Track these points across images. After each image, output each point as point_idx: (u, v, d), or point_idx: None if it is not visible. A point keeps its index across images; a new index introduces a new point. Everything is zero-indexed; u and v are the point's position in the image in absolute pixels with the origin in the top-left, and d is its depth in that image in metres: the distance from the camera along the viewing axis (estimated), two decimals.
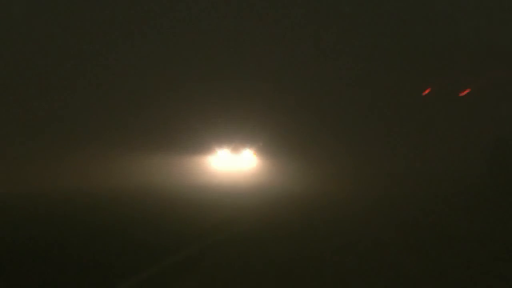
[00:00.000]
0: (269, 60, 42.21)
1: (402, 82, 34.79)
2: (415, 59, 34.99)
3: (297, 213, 17.43)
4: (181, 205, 19.62)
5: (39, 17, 54.68)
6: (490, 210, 18.75)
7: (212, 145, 37.40)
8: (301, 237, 12.87)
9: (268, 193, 25.44)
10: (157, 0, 55.67)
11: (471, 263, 9.81)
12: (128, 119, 42.77)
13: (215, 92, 43.66)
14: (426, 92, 34.35)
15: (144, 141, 39.53)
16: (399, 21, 39.41)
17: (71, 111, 43.07)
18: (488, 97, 32.85)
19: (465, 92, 33.28)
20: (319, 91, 39.14)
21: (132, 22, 58.87)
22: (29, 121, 40.47)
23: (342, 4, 45.56)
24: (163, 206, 19.48)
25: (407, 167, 33.14)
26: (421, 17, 38.14)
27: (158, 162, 36.81)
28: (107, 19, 56.58)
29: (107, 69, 49.81)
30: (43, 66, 51.05)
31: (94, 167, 34.08)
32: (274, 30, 46.08)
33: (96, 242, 11.97)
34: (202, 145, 38.02)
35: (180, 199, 22.21)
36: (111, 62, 50.86)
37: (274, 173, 34.34)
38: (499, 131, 27.96)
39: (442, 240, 12.69)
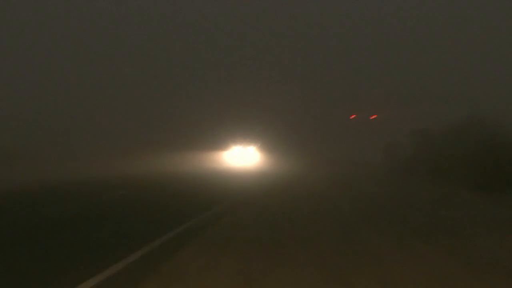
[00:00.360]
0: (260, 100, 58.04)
1: (341, 113, 51.21)
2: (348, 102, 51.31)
3: (284, 186, 24.54)
4: (212, 182, 27.31)
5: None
6: (384, 180, 28.26)
7: (229, 143, 52.13)
8: (288, 199, 18.33)
9: (265, 174, 35.13)
10: None
11: (375, 206, 16.06)
12: (173, 132, 54.50)
13: (232, 108, 57.09)
14: (353, 116, 50.73)
15: (184, 142, 52.42)
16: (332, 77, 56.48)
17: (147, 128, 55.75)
18: (383, 122, 48.15)
19: (373, 117, 49.57)
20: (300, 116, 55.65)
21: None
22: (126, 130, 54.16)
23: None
24: (201, 183, 27.01)
25: (344, 158, 46.68)
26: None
27: (194, 156, 50.65)
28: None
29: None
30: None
31: (161, 160, 46.35)
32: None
33: (174, 201, 18.13)
34: (223, 143, 52.21)
35: (210, 178, 30.50)
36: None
37: (268, 161, 48.87)
38: (388, 139, 41.40)
39: (361, 194, 20.38)
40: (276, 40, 67.97)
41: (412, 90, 49.44)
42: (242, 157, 51.18)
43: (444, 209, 15.46)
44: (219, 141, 53.46)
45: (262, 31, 69.17)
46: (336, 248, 9.29)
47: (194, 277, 7.30)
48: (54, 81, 60.64)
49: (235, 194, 19.53)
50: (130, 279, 7.24)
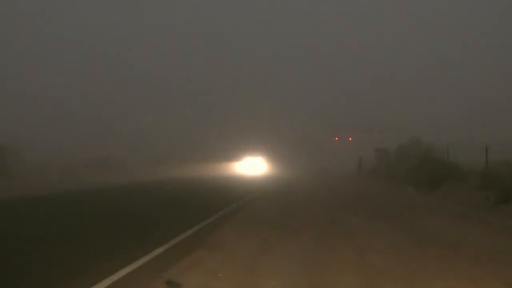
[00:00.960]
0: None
1: (328, 137, 51.64)
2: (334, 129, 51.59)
3: (287, 187, 23.04)
4: (232, 184, 24.13)
5: None
6: (357, 182, 27.90)
7: (242, 155, 46.13)
8: (291, 195, 17.65)
9: (272, 179, 30.59)
10: None
11: (350, 199, 16.06)
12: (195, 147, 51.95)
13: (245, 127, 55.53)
14: (336, 138, 51.12)
15: (204, 156, 48.48)
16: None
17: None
18: (356, 143, 47.79)
19: (350, 139, 49.97)
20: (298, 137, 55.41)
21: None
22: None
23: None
24: (224, 185, 23.60)
25: (329, 168, 46.45)
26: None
27: (214, 165, 45.35)
28: None
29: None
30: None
31: (191, 169, 40.83)
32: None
33: (207, 197, 16.70)
34: (237, 155, 46.89)
35: (231, 182, 26.60)
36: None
37: (274, 170, 43.81)
38: (360, 154, 39.98)
39: (341, 192, 19.96)
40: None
41: (375, 123, 49.93)
42: (252, 167, 43.95)
43: (395, 200, 15.74)
44: (234, 153, 48.07)
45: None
46: (325, 226, 9.44)
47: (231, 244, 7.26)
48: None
49: (253, 192, 18.09)
50: (188, 245, 6.99)
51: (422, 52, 63.81)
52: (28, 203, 14.28)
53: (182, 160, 45.41)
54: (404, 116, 51.31)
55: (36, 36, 55.35)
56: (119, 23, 63.17)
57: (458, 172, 17.97)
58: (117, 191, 19.80)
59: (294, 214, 11.53)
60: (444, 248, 6.95)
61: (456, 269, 5.67)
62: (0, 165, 27.64)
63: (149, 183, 24.67)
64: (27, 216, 11.21)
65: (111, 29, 60.41)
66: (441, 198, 15.61)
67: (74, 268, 5.66)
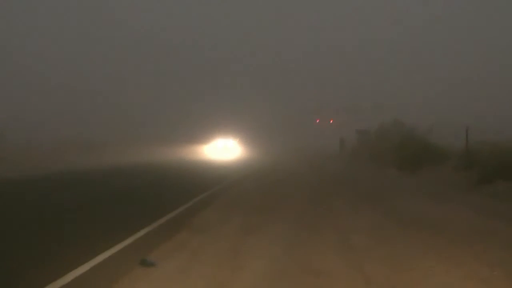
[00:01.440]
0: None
1: (309, 119, 51.58)
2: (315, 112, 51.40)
3: (268, 170, 22.06)
4: (212, 168, 22.63)
5: None
6: (339, 164, 28.02)
7: (212, 137, 39.68)
8: (273, 178, 16.88)
9: (242, 161, 30.07)
10: None
11: (333, 180, 16.47)
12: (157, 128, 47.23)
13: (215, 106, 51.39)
14: (317, 121, 51.22)
15: (179, 138, 42.08)
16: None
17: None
18: (338, 125, 48.13)
19: (331, 121, 50.14)
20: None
21: None
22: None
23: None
24: (202, 169, 22.12)
25: (312, 150, 43.66)
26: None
27: (180, 148, 38.35)
28: None
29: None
30: None
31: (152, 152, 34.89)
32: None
33: (188, 180, 15.86)
34: (205, 136, 40.10)
35: (208, 166, 24.58)
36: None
37: (249, 154, 38.27)
38: (341, 136, 39.54)
39: (324, 173, 20.25)
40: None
41: (357, 104, 49.93)
42: (224, 150, 38.66)
43: (378, 181, 15.83)
44: (201, 135, 41.73)
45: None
46: (308, 207, 9.49)
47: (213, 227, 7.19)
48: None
49: (232, 176, 17.20)
50: (172, 226, 6.97)
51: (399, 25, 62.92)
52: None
53: (144, 142, 39.22)
54: (387, 96, 51.26)
55: None
56: None
57: (440, 153, 18.05)
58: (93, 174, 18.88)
59: (277, 196, 11.48)
60: (425, 229, 6.94)
61: (438, 249, 5.65)
62: None
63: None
64: None
65: None
66: (423, 179, 15.70)
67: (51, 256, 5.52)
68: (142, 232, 6.64)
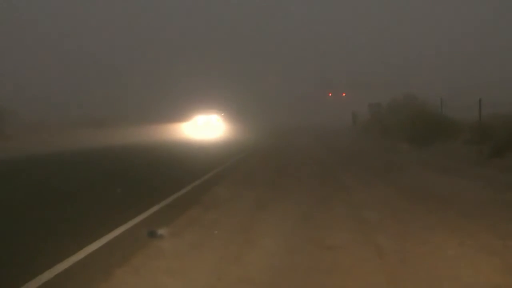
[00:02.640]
0: None
1: (322, 93, 51.16)
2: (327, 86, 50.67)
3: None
4: (204, 147, 21.14)
5: None
6: (351, 138, 27.82)
7: (191, 113, 33.22)
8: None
9: (226, 137, 27.47)
10: None
11: (344, 155, 16.35)
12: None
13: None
14: (330, 94, 50.91)
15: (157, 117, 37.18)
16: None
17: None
18: (350, 99, 47.72)
19: (343, 95, 49.82)
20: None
21: None
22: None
23: None
24: (189, 148, 20.56)
25: (324, 124, 44.61)
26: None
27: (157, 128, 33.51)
28: None
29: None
30: None
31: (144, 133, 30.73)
32: None
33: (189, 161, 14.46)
34: (184, 113, 33.90)
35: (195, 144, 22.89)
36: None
37: (229, 128, 33.38)
38: (353, 110, 40.59)
39: (335, 148, 20.11)
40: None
41: (369, 78, 49.39)
42: (206, 127, 32.30)
43: (389, 155, 15.70)
44: (180, 111, 35.85)
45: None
46: (319, 182, 9.50)
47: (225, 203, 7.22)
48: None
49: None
50: (184, 204, 6.97)
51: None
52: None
53: (119, 122, 34.99)
54: (400, 71, 50.57)
55: None
56: None
57: (452, 126, 17.80)
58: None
59: (288, 171, 11.47)
60: (437, 203, 6.89)
61: (450, 223, 5.61)
62: None
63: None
64: None
65: None
66: (435, 153, 15.52)
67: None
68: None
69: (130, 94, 48.82)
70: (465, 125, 17.14)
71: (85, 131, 29.81)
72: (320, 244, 4.81)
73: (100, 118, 36.20)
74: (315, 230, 5.41)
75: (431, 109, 21.07)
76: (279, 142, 24.32)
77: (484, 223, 5.54)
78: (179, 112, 35.53)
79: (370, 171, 11.13)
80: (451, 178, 9.68)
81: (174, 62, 58.46)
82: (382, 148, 18.66)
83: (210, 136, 28.69)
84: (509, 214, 6.04)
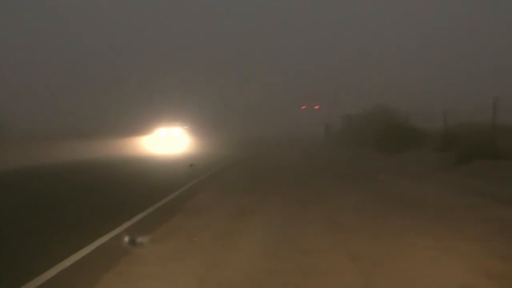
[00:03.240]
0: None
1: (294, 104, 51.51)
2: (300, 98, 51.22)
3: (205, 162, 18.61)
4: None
5: None
6: (325, 147, 29.77)
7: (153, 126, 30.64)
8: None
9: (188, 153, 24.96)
10: None
11: (319, 163, 17.09)
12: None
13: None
14: (303, 107, 51.22)
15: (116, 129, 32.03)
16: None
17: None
18: (323, 111, 47.98)
19: (316, 107, 50.21)
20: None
21: None
22: None
23: None
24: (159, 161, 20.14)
25: (298, 135, 43.26)
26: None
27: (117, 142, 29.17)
28: None
29: None
30: None
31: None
32: None
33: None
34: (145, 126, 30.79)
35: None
36: None
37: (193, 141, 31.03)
38: (326, 121, 40.70)
39: (311, 156, 21.33)
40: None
41: (341, 91, 49.96)
42: (169, 141, 29.99)
43: (361, 163, 15.98)
44: (140, 124, 32.45)
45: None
46: (297, 188, 9.65)
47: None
48: None
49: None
50: (168, 210, 7.06)
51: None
52: None
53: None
54: (370, 83, 51.47)
55: None
56: None
57: (421, 135, 18.28)
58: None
59: (266, 176, 11.53)
60: (407, 207, 7.07)
61: (419, 227, 5.77)
62: None
63: None
64: None
65: None
66: (405, 161, 15.88)
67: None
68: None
69: (81, 105, 42.76)
70: (433, 134, 17.61)
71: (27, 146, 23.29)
72: (297, 248, 4.90)
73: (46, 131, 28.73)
74: (292, 235, 5.50)
75: (401, 119, 21.58)
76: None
77: (451, 226, 5.72)
78: (140, 124, 31.99)
79: (343, 178, 11.30)
80: (420, 183, 9.94)
81: (134, 73, 53.98)
82: (355, 158, 18.97)
83: (170, 151, 25.87)
84: (473, 217, 6.24)
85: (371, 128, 24.64)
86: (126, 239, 5.20)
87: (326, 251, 4.77)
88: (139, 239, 5.25)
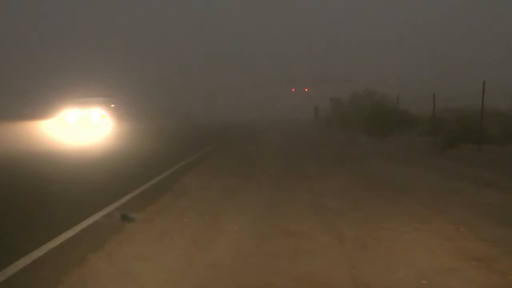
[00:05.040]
0: None
1: (285, 87, 51.45)
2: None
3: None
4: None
5: None
6: (313, 130, 28.79)
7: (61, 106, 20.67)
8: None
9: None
10: None
11: (306, 146, 16.45)
12: None
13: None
14: (293, 89, 51.30)
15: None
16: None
17: None
18: (312, 93, 48.14)
19: (306, 90, 50.26)
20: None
21: None
22: None
23: None
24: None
25: (287, 117, 45.60)
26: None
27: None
28: None
29: None
30: None
31: None
32: None
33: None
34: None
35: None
36: None
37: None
38: (315, 104, 42.07)
39: (298, 139, 20.18)
40: None
41: (330, 74, 49.93)
42: (81, 128, 20.22)
43: (350, 147, 15.96)
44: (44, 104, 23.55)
45: None
46: (283, 172, 9.56)
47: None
48: None
49: None
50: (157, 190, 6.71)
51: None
52: None
53: None
54: (358, 67, 51.68)
55: None
56: None
57: (409, 119, 18.31)
58: None
59: (252, 158, 11.42)
60: (394, 191, 7.06)
61: (407, 210, 5.74)
62: None
63: None
64: None
65: None
66: (393, 144, 15.93)
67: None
68: None
69: None
70: (420, 119, 17.65)
71: None
72: (284, 230, 4.84)
73: None
74: (280, 217, 5.43)
75: (389, 103, 21.59)
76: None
77: (438, 209, 5.71)
78: (42, 104, 23.32)
79: (331, 161, 11.24)
80: (407, 167, 9.95)
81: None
82: (343, 140, 18.95)
83: (82, 142, 17.19)
84: (460, 200, 6.24)
85: (359, 111, 24.66)
86: None
87: (314, 234, 4.71)
88: None
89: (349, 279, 3.47)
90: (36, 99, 25.55)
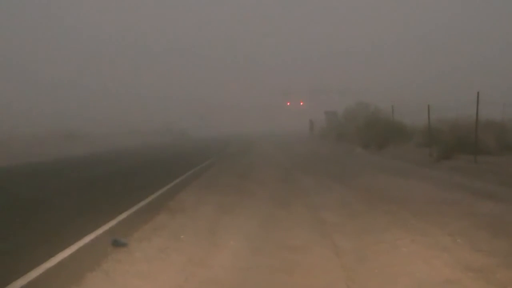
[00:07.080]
0: None
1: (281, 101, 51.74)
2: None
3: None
4: None
5: None
6: (309, 143, 29.61)
7: None
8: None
9: None
10: None
11: (302, 159, 16.27)
12: None
13: None
14: (288, 103, 51.54)
15: None
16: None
17: None
18: (307, 107, 48.17)
19: (301, 104, 50.52)
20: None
21: None
22: None
23: None
24: None
25: (283, 131, 47.50)
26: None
27: None
28: None
29: None
30: None
31: None
32: None
33: None
34: None
35: None
36: None
37: None
38: (310, 117, 42.22)
39: (294, 152, 20.52)
40: None
41: (324, 88, 50.32)
42: None
43: (345, 159, 15.93)
44: None
45: None
46: (280, 186, 9.51)
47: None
48: None
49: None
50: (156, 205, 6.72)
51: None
52: None
53: None
54: (353, 80, 52.14)
55: None
56: None
57: (404, 131, 18.35)
58: None
59: (249, 172, 11.33)
60: (391, 203, 7.04)
61: (403, 222, 5.73)
62: None
63: None
64: None
65: None
66: (388, 156, 15.93)
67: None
68: None
69: None
70: (415, 129, 17.68)
71: None
72: (282, 244, 4.80)
73: None
74: (277, 231, 5.41)
75: (384, 115, 21.66)
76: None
77: (434, 221, 5.70)
78: None
79: (328, 174, 11.17)
80: (403, 179, 9.92)
81: None
82: (339, 153, 18.93)
83: None
84: (456, 211, 6.23)
85: (354, 124, 24.74)
86: None
87: (311, 248, 4.69)
88: None
89: None
90: None
